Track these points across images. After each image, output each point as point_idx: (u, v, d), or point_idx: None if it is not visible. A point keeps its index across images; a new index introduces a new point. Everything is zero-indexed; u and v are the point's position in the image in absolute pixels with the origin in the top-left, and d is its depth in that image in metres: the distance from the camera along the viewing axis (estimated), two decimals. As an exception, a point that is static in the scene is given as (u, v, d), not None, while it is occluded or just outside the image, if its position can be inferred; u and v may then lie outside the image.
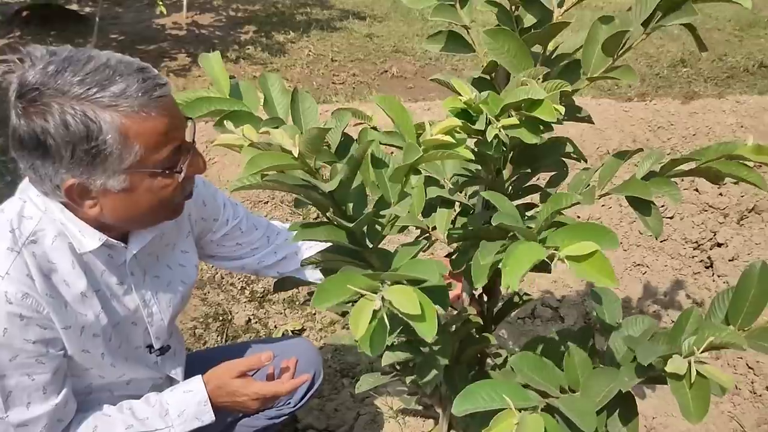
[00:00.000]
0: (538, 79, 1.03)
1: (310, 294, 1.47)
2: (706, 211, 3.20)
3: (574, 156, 1.30)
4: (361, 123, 1.28)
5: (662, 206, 3.14)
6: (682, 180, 3.35)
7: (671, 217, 3.18)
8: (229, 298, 2.69)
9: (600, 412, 1.06)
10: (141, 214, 1.22)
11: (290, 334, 2.52)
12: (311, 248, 1.66)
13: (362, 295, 0.86)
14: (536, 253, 0.86)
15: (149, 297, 1.39)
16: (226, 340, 2.48)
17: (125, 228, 1.28)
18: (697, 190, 3.30)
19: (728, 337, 0.92)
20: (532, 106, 0.97)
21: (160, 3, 5.02)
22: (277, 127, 1.04)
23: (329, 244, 1.16)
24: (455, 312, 1.43)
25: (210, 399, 1.42)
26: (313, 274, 1.67)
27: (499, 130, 0.97)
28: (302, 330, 2.57)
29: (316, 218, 3.01)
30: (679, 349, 0.96)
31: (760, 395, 2.29)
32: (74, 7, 6.37)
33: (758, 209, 3.17)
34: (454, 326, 1.38)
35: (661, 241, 3.07)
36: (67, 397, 1.27)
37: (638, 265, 2.96)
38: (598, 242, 0.86)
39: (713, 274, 2.89)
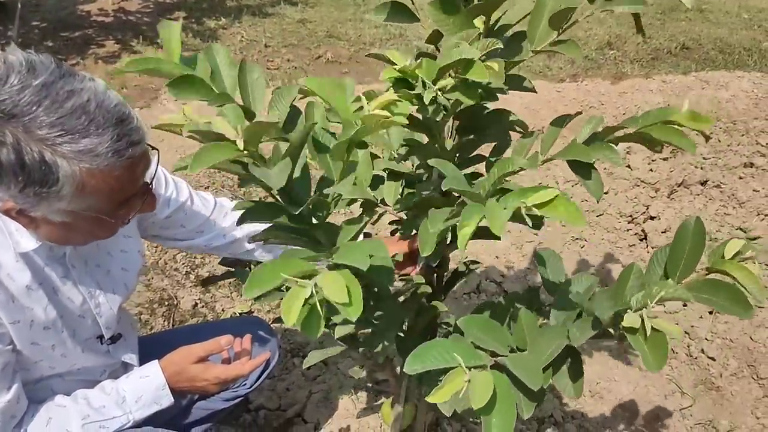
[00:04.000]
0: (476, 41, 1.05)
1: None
2: (638, 186, 3.32)
3: (519, 130, 1.33)
4: (306, 97, 1.28)
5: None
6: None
7: (606, 193, 3.28)
8: (173, 283, 2.65)
9: (547, 368, 1.10)
10: (75, 241, 1.21)
11: (238, 316, 2.50)
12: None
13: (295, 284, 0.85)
14: (501, 210, 0.89)
15: (94, 288, 1.35)
16: (173, 326, 2.45)
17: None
18: (629, 166, 3.41)
19: (676, 293, 0.96)
20: (467, 68, 0.97)
21: (87, -13, 4.87)
22: (222, 105, 1.03)
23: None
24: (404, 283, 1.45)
25: (168, 384, 1.41)
26: (264, 256, 1.66)
27: (437, 93, 0.98)
28: (250, 312, 2.55)
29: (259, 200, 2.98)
30: (628, 304, 1.00)
31: (695, 358, 2.40)
32: (-8, -8, 6.12)
33: (686, 183, 3.30)
34: (404, 297, 1.40)
35: (597, 216, 3.17)
36: (18, 392, 1.24)
37: (576, 239, 3.05)
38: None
39: (647, 245, 3.00)
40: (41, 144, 0.98)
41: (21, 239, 1.17)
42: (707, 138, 1.11)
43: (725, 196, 3.22)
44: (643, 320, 0.96)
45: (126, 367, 1.51)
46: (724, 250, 1.04)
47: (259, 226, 1.68)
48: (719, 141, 3.60)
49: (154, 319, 2.46)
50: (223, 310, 2.56)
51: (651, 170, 3.38)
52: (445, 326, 1.54)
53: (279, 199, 1.07)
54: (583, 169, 1.16)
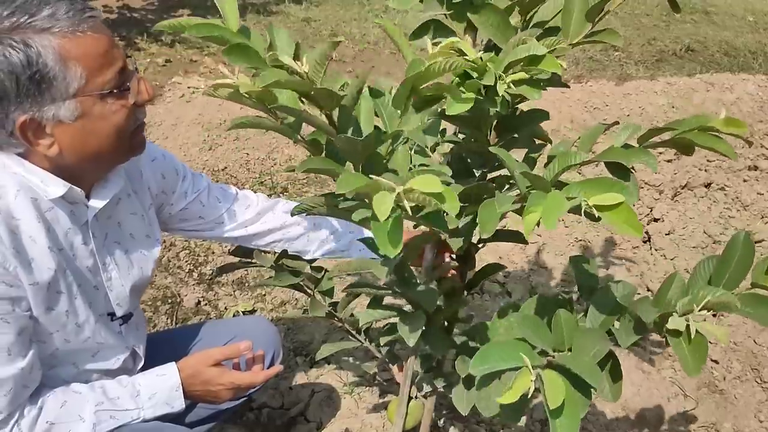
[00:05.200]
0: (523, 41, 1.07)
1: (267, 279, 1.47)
2: (642, 188, 3.31)
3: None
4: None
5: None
6: (619, 158, 3.45)
7: (610, 194, 3.27)
8: (177, 280, 2.65)
9: None
10: (99, 146, 1.20)
11: (241, 315, 2.50)
12: (285, 221, 1.66)
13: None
14: (563, 202, 0.90)
15: (109, 261, 1.37)
16: (175, 323, 2.45)
17: (88, 168, 1.25)
18: (633, 168, 3.40)
19: (723, 297, 0.96)
20: (532, 63, 1.00)
21: (91, -16, 4.86)
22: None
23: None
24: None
25: (182, 386, 1.42)
26: (286, 247, 1.67)
27: (509, 86, 0.99)
28: (253, 311, 2.56)
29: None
30: (673, 308, 1.00)
31: (699, 360, 2.39)
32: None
33: (690, 185, 3.30)
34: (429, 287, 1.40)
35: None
36: (33, 362, 1.25)
37: (580, 240, 3.05)
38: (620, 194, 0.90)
39: (651, 248, 3.00)
40: (12, 31, 1.07)
41: (48, 187, 1.20)
42: (750, 143, 1.12)
43: (729, 198, 3.21)
44: (688, 324, 0.97)
45: (135, 358, 1.52)
46: (766, 265, 1.04)
47: (283, 219, 1.68)
48: (724, 143, 3.59)
49: (157, 317, 2.46)
50: (225, 307, 2.56)
51: (655, 172, 3.37)
52: (463, 323, 1.54)
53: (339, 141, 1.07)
54: (621, 172, 1.19)
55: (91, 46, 1.12)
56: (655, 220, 3.11)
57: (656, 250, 2.96)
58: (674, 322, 0.97)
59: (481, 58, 0.97)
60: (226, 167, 3.37)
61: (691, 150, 1.15)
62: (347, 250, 1.70)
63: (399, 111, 1.09)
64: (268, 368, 1.72)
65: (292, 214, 1.21)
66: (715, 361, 2.37)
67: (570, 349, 1.09)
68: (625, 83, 4.38)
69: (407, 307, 1.39)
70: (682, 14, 6.34)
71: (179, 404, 1.41)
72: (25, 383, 1.24)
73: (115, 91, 1.17)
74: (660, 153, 3.45)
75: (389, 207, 0.82)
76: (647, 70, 4.83)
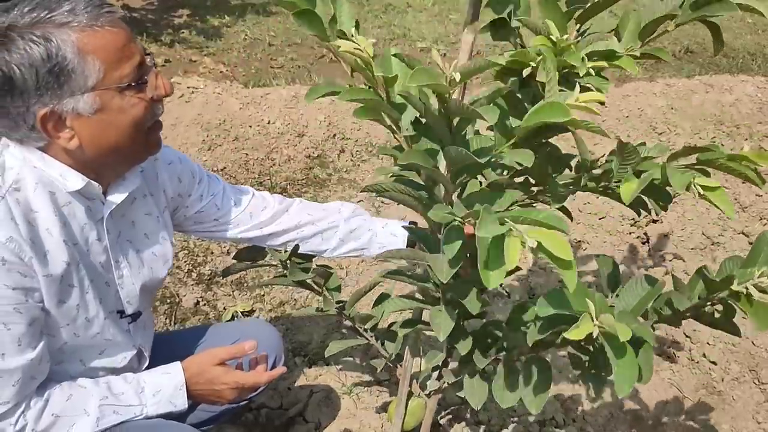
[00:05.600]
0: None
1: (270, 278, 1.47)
2: (641, 189, 3.31)
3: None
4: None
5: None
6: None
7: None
8: (175, 281, 2.65)
9: None
10: (117, 139, 1.22)
11: (240, 315, 2.50)
12: (300, 220, 1.68)
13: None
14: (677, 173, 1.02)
15: (121, 259, 1.39)
16: (174, 324, 2.45)
17: (106, 163, 1.27)
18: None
19: None
20: (609, 58, 1.09)
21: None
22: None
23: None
24: None
25: (186, 385, 1.43)
26: (305, 245, 1.68)
27: (588, 72, 1.06)
28: (251, 311, 2.56)
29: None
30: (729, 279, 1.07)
31: (697, 362, 2.40)
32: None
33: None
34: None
35: (599, 219, 3.17)
36: (42, 354, 1.26)
37: (579, 241, 3.05)
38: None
39: (649, 249, 3.00)
40: (33, 26, 1.10)
41: (67, 181, 1.23)
42: (763, 182, 1.12)
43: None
44: (749, 289, 1.03)
45: (140, 358, 1.53)
46: None
47: (299, 218, 1.68)
48: (722, 145, 3.59)
49: (156, 317, 2.46)
50: (224, 308, 2.56)
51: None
52: (478, 318, 1.55)
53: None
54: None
55: (109, 41, 1.15)
56: (654, 221, 3.11)
57: (655, 251, 2.97)
58: (737, 287, 1.04)
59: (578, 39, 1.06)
60: (225, 167, 3.37)
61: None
62: (367, 248, 1.70)
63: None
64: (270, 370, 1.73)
65: (362, 190, 1.22)
66: (714, 363, 2.38)
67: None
68: (624, 84, 4.38)
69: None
70: (681, 16, 6.35)
71: (182, 403, 1.42)
72: (33, 374, 1.25)
73: (133, 84, 1.19)
74: (659, 154, 3.46)
75: (516, 256, 0.83)
76: (646, 71, 4.83)
